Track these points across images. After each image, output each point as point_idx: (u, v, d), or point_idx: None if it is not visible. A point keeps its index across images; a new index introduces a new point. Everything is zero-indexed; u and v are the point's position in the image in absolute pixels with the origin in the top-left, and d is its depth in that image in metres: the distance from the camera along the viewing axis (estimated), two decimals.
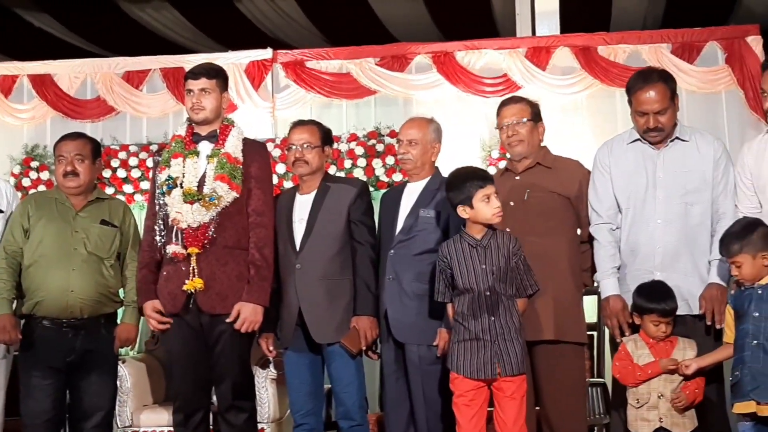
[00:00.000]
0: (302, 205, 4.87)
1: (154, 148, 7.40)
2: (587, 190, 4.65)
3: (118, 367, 5.19)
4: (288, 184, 7.02)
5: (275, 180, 6.85)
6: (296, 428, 4.86)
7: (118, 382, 5.16)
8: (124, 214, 5.02)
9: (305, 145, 4.86)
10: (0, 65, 8.16)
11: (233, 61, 7.63)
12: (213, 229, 4.56)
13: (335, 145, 6.91)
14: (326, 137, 4.98)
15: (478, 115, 7.49)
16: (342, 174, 7.15)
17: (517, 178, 4.72)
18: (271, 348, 4.95)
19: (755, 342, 4.02)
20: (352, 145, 7.35)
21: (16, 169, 7.61)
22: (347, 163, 7.29)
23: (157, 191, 4.71)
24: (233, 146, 4.69)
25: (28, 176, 7.59)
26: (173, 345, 4.68)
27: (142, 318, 5.00)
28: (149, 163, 7.27)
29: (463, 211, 4.23)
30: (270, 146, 7.10)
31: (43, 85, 7.92)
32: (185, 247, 4.55)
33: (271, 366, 5.58)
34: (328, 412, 5.66)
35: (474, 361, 4.16)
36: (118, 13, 9.51)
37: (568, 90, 7.57)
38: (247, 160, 4.69)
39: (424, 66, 7.74)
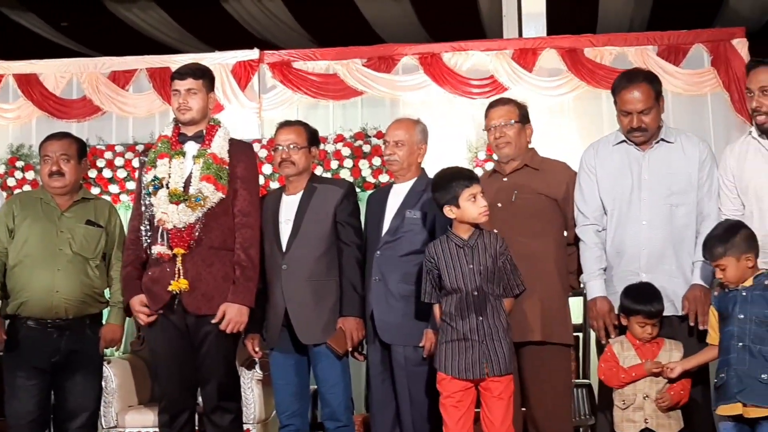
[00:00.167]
0: (288, 206, 4.86)
1: (140, 148, 7.38)
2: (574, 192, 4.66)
3: (104, 367, 5.18)
4: (274, 185, 7.01)
5: (262, 180, 6.84)
6: (282, 429, 4.86)
7: (103, 383, 5.16)
8: (109, 215, 5.01)
9: (292, 146, 4.86)
10: None
11: (220, 62, 7.60)
12: (199, 230, 4.56)
13: (322, 146, 6.93)
14: (313, 138, 4.98)
15: (465, 117, 7.49)
16: (328, 175, 7.13)
17: (505, 179, 4.72)
18: (256, 349, 4.94)
19: (741, 344, 4.03)
20: (339, 145, 7.33)
21: (1, 169, 7.57)
22: (334, 164, 7.28)
23: (143, 192, 4.69)
24: (219, 147, 4.68)
25: (14, 176, 7.54)
26: (159, 346, 4.67)
27: (127, 318, 5.00)
28: (135, 163, 7.25)
29: (449, 211, 4.23)
30: (256, 147, 7.08)
31: (29, 85, 7.87)
32: (171, 248, 4.54)
33: (257, 367, 5.57)
34: (314, 413, 5.66)
35: (462, 362, 4.16)
36: (104, 13, 9.49)
37: (554, 92, 7.57)
38: (233, 160, 4.68)
39: (410, 67, 7.74)
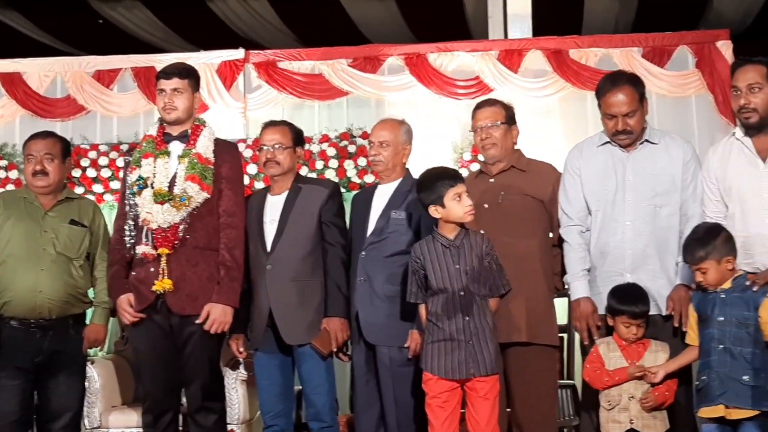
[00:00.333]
0: (273, 206, 4.86)
1: (124, 147, 7.35)
2: None
3: (87, 367, 5.15)
4: (259, 185, 7.00)
5: (246, 181, 6.83)
6: (266, 429, 4.84)
7: (86, 383, 5.15)
8: (93, 214, 4.99)
9: (277, 146, 4.85)
10: None
11: (205, 61, 7.60)
12: (183, 230, 4.54)
13: (307, 146, 6.92)
14: (298, 138, 4.97)
15: (450, 117, 7.51)
16: (314, 175, 7.13)
17: (491, 180, 4.73)
18: (241, 349, 4.93)
19: (721, 346, 4.06)
20: (324, 146, 7.33)
21: None
22: (319, 164, 7.28)
23: (128, 191, 4.68)
24: (204, 146, 4.67)
25: None
26: (143, 346, 4.66)
27: (111, 319, 4.98)
28: (119, 162, 7.23)
29: (435, 211, 4.23)
30: (241, 147, 7.07)
31: (13, 84, 7.85)
32: (155, 248, 4.53)
33: (241, 367, 5.56)
34: (299, 414, 5.66)
35: (448, 362, 4.16)
36: (89, 12, 9.46)
37: (539, 93, 7.60)
38: (218, 160, 4.67)
39: (396, 67, 7.75)
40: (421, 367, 4.27)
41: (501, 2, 8.42)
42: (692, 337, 4.22)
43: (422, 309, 4.33)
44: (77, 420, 4.94)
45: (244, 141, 7.31)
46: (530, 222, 4.64)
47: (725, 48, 7.46)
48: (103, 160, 7.45)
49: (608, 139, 4.56)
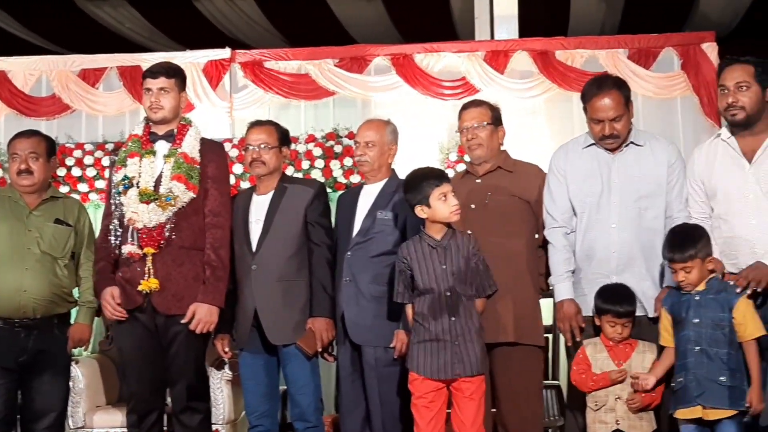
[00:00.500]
0: (259, 206, 4.85)
1: (110, 147, 7.35)
2: None
3: (72, 367, 5.15)
4: (245, 185, 6.99)
5: (232, 180, 6.82)
6: (251, 429, 4.84)
7: (71, 383, 5.13)
8: (78, 214, 4.98)
9: (262, 146, 4.84)
10: None
11: (191, 60, 7.58)
12: (169, 230, 4.54)
13: (293, 146, 6.92)
14: (284, 138, 4.97)
15: (437, 118, 7.51)
16: (300, 175, 7.12)
17: (478, 181, 4.74)
18: (226, 349, 4.93)
19: (698, 348, 4.08)
20: (310, 146, 7.32)
21: None
22: (305, 164, 7.27)
23: (113, 191, 4.67)
24: (190, 146, 4.66)
25: None
26: (127, 345, 4.65)
27: (96, 318, 4.97)
28: (105, 161, 7.21)
29: (421, 211, 4.24)
30: (227, 146, 7.05)
31: None
32: (141, 248, 4.52)
33: (227, 367, 5.55)
34: (284, 414, 5.65)
35: (434, 362, 4.16)
36: (74, 11, 9.42)
37: (526, 94, 7.61)
38: (204, 160, 4.67)
39: (382, 68, 7.75)
40: (407, 367, 4.28)
41: (488, 3, 8.43)
42: (666, 338, 4.23)
43: (409, 309, 4.33)
44: (61, 420, 4.94)
45: (230, 141, 7.30)
46: (517, 222, 4.65)
47: (710, 50, 7.48)
48: (88, 159, 7.42)
49: (593, 141, 4.57)
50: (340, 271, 4.72)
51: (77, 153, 7.44)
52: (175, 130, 4.71)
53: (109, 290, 4.59)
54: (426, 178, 4.25)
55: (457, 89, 7.58)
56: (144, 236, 4.52)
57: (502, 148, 4.81)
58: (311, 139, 7.38)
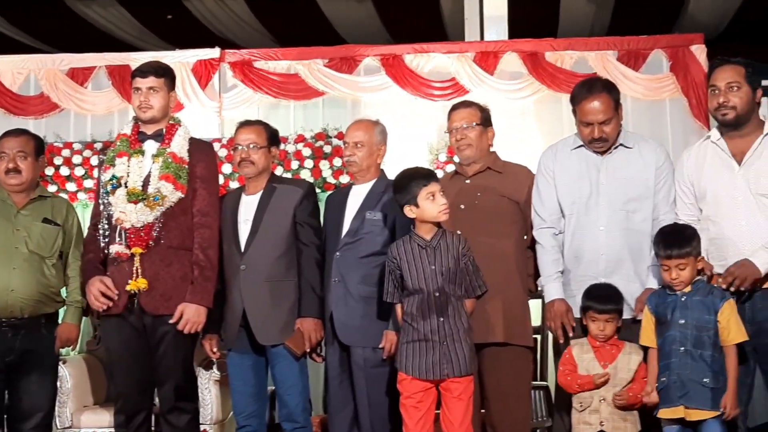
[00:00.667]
0: (248, 206, 4.84)
1: (98, 146, 7.32)
2: None
3: (59, 367, 5.12)
4: (234, 185, 6.98)
5: (221, 180, 6.80)
6: (239, 430, 4.83)
7: (58, 383, 5.11)
8: (67, 213, 4.96)
9: (251, 146, 4.84)
10: None
11: (180, 60, 7.56)
12: (157, 230, 4.53)
13: (282, 146, 6.91)
14: (273, 138, 4.96)
15: (426, 118, 7.51)
16: (289, 175, 7.11)
17: (468, 181, 4.74)
18: (214, 349, 4.92)
19: (682, 349, 4.10)
20: (300, 146, 7.32)
21: None
22: (294, 164, 7.26)
23: (102, 191, 4.65)
24: (179, 146, 4.65)
25: None
26: (115, 345, 4.64)
27: (84, 318, 4.95)
28: (93, 161, 7.19)
29: (409, 211, 4.24)
30: (216, 146, 7.03)
31: None
32: (129, 247, 4.51)
33: (215, 367, 5.54)
34: (272, 414, 5.64)
35: (423, 362, 4.16)
36: (63, 10, 9.40)
37: (515, 95, 7.62)
38: (192, 159, 4.66)
39: (372, 68, 7.75)
40: (396, 367, 4.28)
41: (477, 4, 8.44)
42: (648, 339, 4.24)
43: (398, 309, 4.33)
44: (48, 420, 4.91)
45: (219, 140, 7.28)
46: (507, 223, 4.65)
47: (699, 52, 7.50)
48: (76, 159, 7.40)
49: (582, 143, 4.57)
50: (329, 272, 4.72)
51: (65, 152, 7.42)
52: (164, 130, 4.69)
53: (98, 278, 4.55)
54: (413, 178, 4.25)
55: (446, 90, 7.59)
56: (132, 236, 4.51)
57: (491, 149, 4.81)
58: (300, 139, 7.37)
